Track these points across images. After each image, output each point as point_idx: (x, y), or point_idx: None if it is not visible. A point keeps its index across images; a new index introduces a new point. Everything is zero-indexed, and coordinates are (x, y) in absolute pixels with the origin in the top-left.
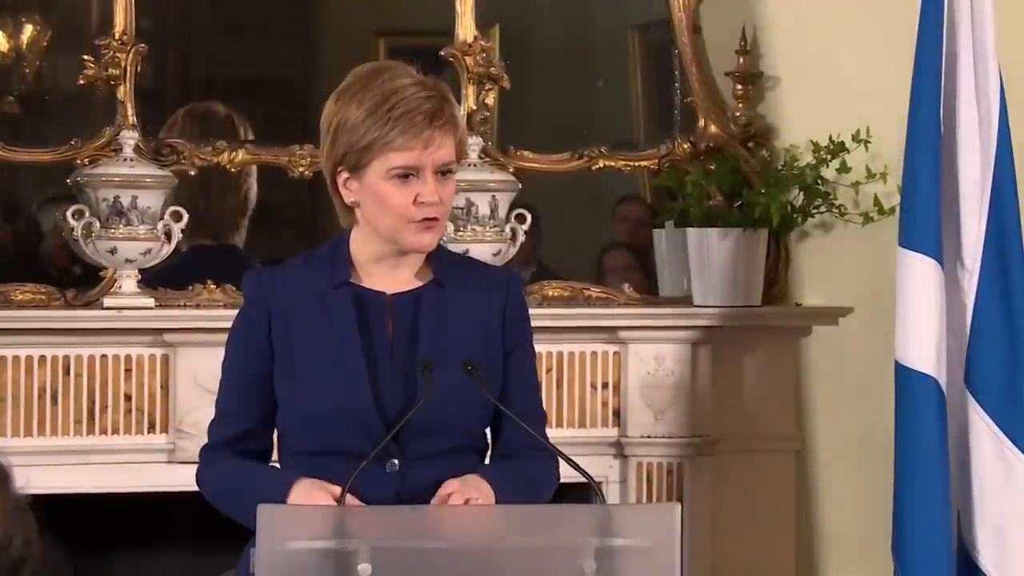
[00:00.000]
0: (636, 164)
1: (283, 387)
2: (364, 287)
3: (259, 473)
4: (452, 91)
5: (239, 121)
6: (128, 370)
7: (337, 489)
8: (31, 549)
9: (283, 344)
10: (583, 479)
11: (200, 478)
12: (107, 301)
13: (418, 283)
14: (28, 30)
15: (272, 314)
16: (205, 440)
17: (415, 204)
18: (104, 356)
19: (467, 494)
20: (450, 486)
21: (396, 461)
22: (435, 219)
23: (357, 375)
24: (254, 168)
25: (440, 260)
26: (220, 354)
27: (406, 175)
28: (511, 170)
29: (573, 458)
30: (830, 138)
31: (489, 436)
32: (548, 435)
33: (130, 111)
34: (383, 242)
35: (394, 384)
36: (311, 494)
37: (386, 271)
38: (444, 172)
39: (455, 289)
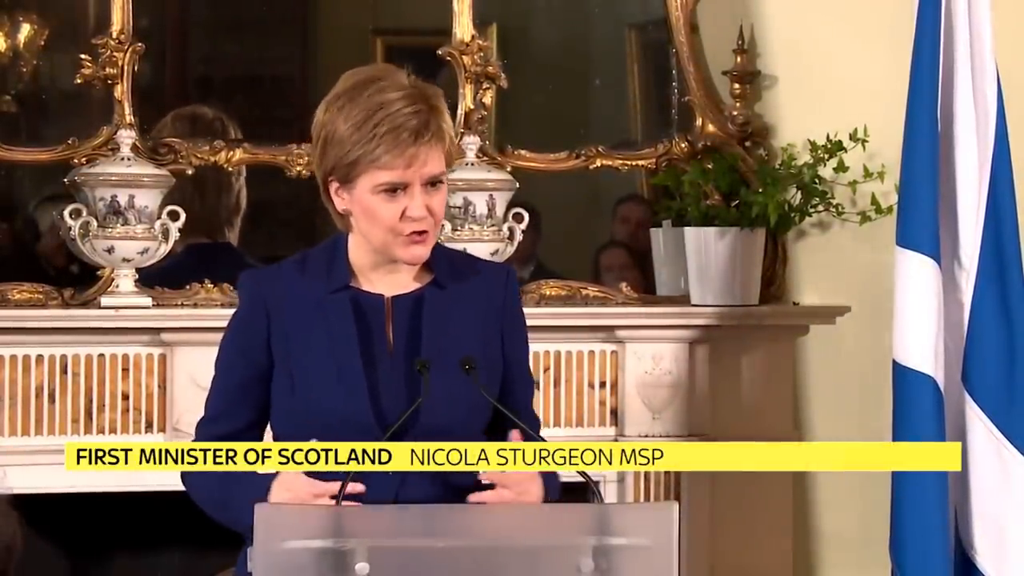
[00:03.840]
0: (634, 163)
1: (281, 392)
2: (362, 290)
3: (244, 474)
4: (449, 91)
5: (228, 122)
6: (125, 369)
7: (323, 486)
8: (16, 539)
9: (282, 349)
10: (581, 478)
11: (186, 477)
12: (104, 300)
13: (417, 285)
14: (25, 29)
15: (271, 317)
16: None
17: (402, 219)
18: (101, 355)
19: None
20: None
21: None
22: (424, 232)
23: (356, 381)
24: (244, 166)
25: (438, 260)
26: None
27: (393, 190)
28: (509, 169)
29: None
30: (827, 137)
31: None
32: (545, 434)
33: (127, 110)
34: (377, 250)
35: (396, 387)
36: (293, 481)
37: (384, 275)
38: (433, 183)
39: (455, 290)
